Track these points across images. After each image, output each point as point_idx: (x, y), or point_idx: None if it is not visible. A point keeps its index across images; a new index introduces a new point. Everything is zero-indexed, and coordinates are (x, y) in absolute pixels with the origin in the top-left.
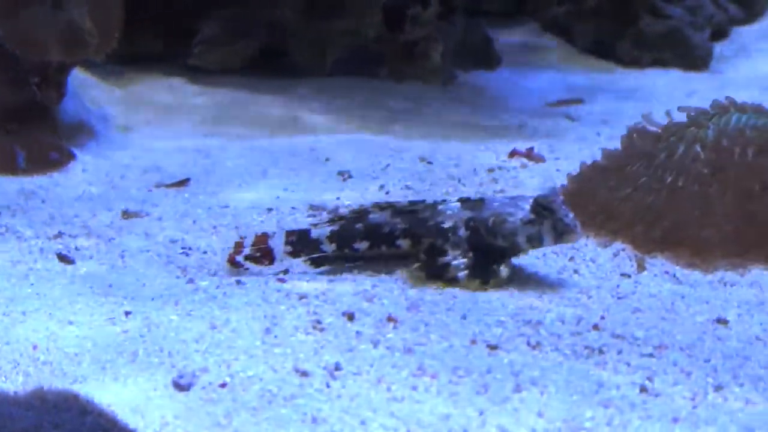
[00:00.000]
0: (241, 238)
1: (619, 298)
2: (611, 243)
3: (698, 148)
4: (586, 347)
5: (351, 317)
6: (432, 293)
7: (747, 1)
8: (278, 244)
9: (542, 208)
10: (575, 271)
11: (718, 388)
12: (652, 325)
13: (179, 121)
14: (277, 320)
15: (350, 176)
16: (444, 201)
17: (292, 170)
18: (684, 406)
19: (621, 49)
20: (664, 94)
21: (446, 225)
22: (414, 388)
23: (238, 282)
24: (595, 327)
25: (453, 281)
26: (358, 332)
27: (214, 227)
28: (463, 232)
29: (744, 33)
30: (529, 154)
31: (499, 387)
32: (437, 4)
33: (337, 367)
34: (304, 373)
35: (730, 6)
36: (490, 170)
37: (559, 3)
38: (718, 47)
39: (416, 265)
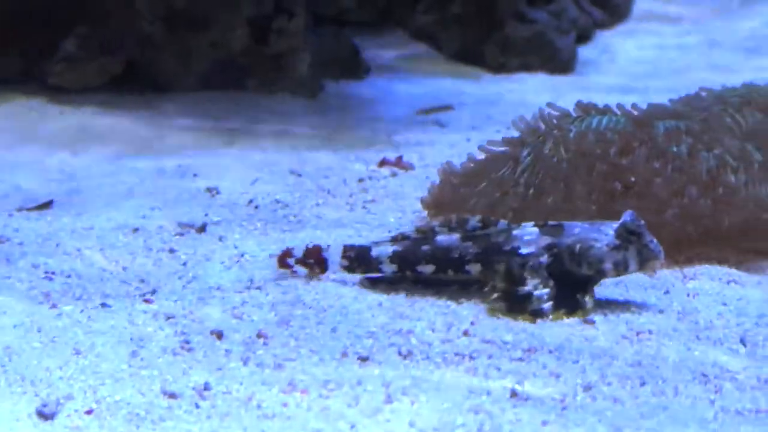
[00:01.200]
0: (288, 249)
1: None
2: None
3: (562, 150)
4: (457, 354)
5: (220, 336)
6: (302, 308)
7: (610, 4)
8: (334, 255)
9: (629, 233)
10: None
11: (586, 388)
12: (521, 329)
13: (41, 143)
14: (144, 342)
15: (218, 192)
16: (520, 225)
17: (159, 188)
18: (554, 408)
19: (488, 55)
20: (531, 98)
21: (524, 251)
22: (284, 404)
23: (104, 305)
24: (465, 333)
25: (537, 313)
26: (227, 350)
27: (78, 250)
28: (545, 259)
29: (607, 35)
30: (399, 163)
31: (370, 399)
32: (303, 15)
33: (206, 387)
34: (173, 395)
35: (593, 10)
36: (360, 180)
37: (426, 11)
38: (583, 50)
39: (495, 295)
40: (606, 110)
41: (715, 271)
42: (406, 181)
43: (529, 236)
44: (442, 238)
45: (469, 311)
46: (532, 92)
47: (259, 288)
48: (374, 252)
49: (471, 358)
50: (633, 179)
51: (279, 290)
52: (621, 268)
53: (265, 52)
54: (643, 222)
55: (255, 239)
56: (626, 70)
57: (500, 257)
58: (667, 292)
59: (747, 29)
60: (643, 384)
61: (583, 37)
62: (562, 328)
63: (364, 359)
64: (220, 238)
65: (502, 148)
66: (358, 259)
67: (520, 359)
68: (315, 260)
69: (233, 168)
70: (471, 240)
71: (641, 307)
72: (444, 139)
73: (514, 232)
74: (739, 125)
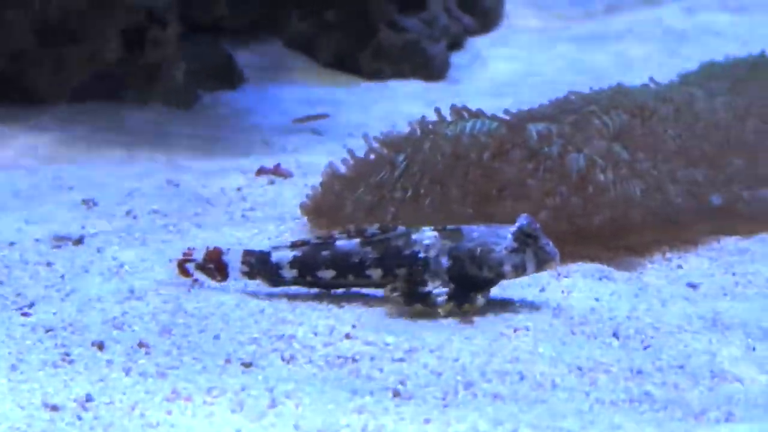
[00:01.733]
0: (189, 249)
1: (370, 306)
2: None
3: (437, 154)
4: (339, 357)
5: (101, 347)
6: (184, 316)
7: (480, 12)
8: (234, 261)
9: (526, 236)
10: None
11: (467, 385)
12: (402, 331)
13: None
14: (24, 356)
15: (95, 204)
16: (419, 230)
17: (34, 201)
18: (436, 406)
19: (362, 63)
20: (406, 105)
21: (424, 255)
22: (169, 412)
23: None
24: (347, 336)
25: (431, 305)
26: (108, 361)
27: None
28: (445, 262)
29: (479, 43)
30: (276, 171)
31: (255, 403)
32: (177, 24)
33: (89, 398)
34: (54, 408)
35: (464, 17)
36: (239, 189)
37: (301, 19)
38: (456, 57)
39: (395, 293)
40: (479, 114)
41: (587, 268)
42: (284, 188)
43: (428, 240)
44: (342, 243)
45: (351, 314)
46: (406, 99)
47: (139, 298)
48: (274, 257)
49: (353, 360)
50: (507, 181)
51: (160, 299)
52: (519, 270)
53: (139, 62)
54: (538, 225)
55: (134, 250)
56: (498, 75)
57: (401, 261)
58: (542, 289)
59: (613, 35)
60: (522, 379)
61: (455, 45)
62: (443, 329)
63: (247, 365)
64: (99, 250)
65: (381, 153)
66: (258, 264)
67: (402, 359)
68: (215, 266)
69: (109, 179)
70: (371, 245)
71: (518, 305)
72: (321, 146)
73: (413, 237)
74: (607, 126)
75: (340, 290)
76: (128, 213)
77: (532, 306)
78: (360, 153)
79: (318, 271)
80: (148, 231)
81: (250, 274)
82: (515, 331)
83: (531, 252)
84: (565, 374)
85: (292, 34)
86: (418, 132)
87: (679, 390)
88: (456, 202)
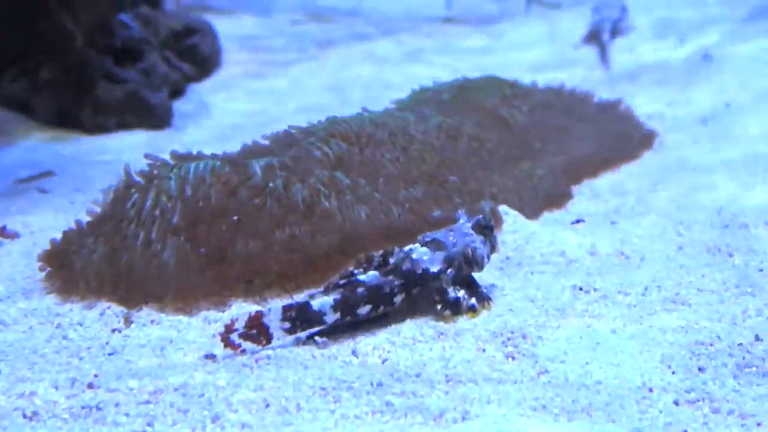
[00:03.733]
0: (231, 319)
1: (110, 354)
2: (96, 303)
3: (164, 199)
4: (84, 407)
5: None
6: None
7: (199, 59)
8: (275, 320)
9: (488, 229)
10: (64, 337)
11: (215, 419)
12: (145, 374)
13: None
14: None
15: None
16: (411, 249)
17: None
18: None
19: (84, 118)
20: (132, 156)
21: (433, 270)
22: None
23: None
24: (90, 386)
25: (472, 309)
26: None
27: None
28: (451, 271)
29: (200, 89)
30: (2, 233)
31: None
32: None
33: None
34: None
35: (182, 65)
36: None
37: (14, 79)
38: (179, 105)
39: (439, 308)
40: (201, 157)
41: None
42: (12, 248)
43: (426, 255)
44: (369, 278)
45: (90, 365)
46: (132, 150)
47: None
48: (315, 305)
49: (98, 408)
50: (237, 218)
51: None
52: (487, 261)
53: None
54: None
55: None
56: (223, 119)
57: (417, 281)
58: None
59: (331, 70)
60: (267, 406)
61: (177, 92)
62: (185, 367)
63: None
64: None
65: (110, 203)
66: (300, 317)
67: (148, 402)
68: (257, 330)
69: None
70: (391, 274)
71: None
72: (48, 204)
73: (413, 257)
74: (327, 156)
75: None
76: None
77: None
78: (92, 206)
79: (358, 309)
80: None
81: (292, 330)
82: (257, 361)
83: (489, 243)
84: (310, 396)
85: (5, 95)
86: (142, 180)
87: (417, 397)
88: (189, 245)
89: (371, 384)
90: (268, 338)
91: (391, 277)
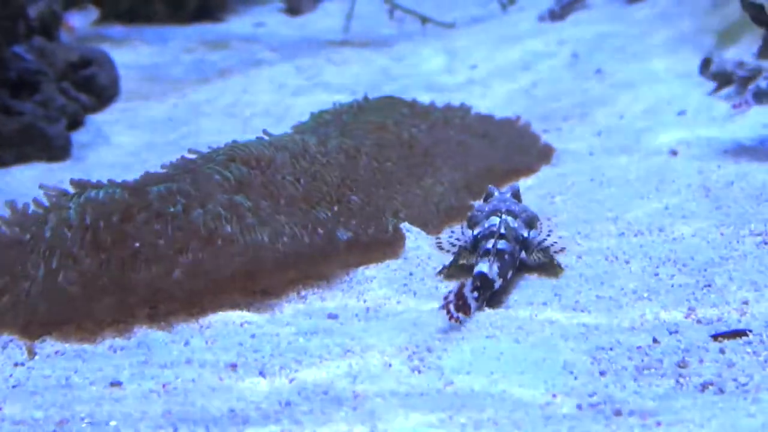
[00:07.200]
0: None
1: (14, 386)
2: None
3: (65, 229)
4: None
5: None
6: None
7: (96, 90)
8: (468, 294)
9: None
10: None
11: None
12: (50, 403)
13: None
14: None
15: None
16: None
17: None
18: None
19: None
20: (33, 188)
21: (525, 235)
22: None
23: None
24: None
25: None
26: None
27: None
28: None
29: (99, 119)
30: None
31: None
32: None
33: None
34: None
35: (80, 95)
36: None
37: None
38: (78, 135)
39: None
40: (100, 185)
41: (228, 316)
42: None
43: (514, 223)
44: (503, 245)
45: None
46: (33, 182)
47: None
48: (490, 275)
49: None
50: (138, 244)
51: None
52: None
53: None
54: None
55: None
56: (122, 148)
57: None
58: (187, 343)
59: (231, 96)
60: (175, 430)
61: (76, 123)
62: (92, 395)
63: None
64: None
65: (8, 236)
66: (484, 286)
67: None
68: (462, 302)
69: None
70: (504, 239)
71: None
72: None
73: (513, 225)
74: (228, 180)
75: None
76: None
77: (174, 362)
78: None
79: (508, 275)
80: None
81: (479, 299)
82: (164, 386)
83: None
84: (218, 418)
85: None
86: (39, 211)
87: (325, 414)
88: (90, 272)
89: (279, 403)
90: (469, 309)
91: (513, 243)
